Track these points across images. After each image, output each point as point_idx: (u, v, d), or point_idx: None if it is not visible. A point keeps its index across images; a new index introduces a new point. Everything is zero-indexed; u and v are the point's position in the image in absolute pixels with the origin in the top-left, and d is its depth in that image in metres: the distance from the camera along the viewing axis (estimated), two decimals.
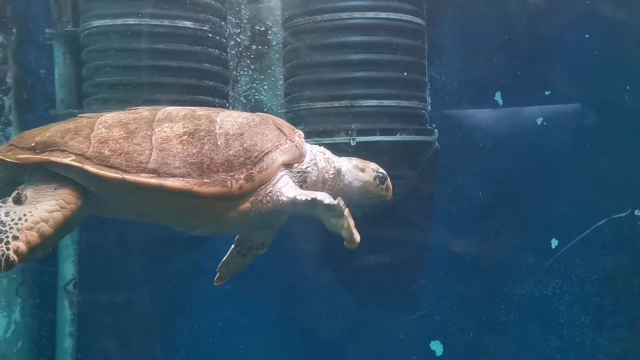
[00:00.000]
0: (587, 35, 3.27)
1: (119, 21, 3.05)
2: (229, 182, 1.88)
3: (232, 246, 2.34)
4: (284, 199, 1.98)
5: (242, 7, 3.47)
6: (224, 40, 3.36)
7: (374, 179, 2.19)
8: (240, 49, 3.49)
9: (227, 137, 1.94)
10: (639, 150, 3.20)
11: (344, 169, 2.18)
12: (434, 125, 3.47)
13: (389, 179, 2.22)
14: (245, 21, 3.49)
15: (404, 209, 3.40)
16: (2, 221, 1.70)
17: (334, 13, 3.09)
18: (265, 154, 1.97)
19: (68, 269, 3.54)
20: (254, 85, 3.51)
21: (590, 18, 3.25)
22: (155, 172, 1.82)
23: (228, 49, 3.43)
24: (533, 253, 3.37)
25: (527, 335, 3.42)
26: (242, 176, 1.91)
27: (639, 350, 3.25)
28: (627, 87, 3.20)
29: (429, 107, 3.48)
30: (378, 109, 3.16)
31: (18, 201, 1.77)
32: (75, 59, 3.36)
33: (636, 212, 3.20)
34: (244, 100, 3.51)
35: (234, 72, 3.49)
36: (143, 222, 2.12)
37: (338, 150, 3.10)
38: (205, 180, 1.85)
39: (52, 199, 1.78)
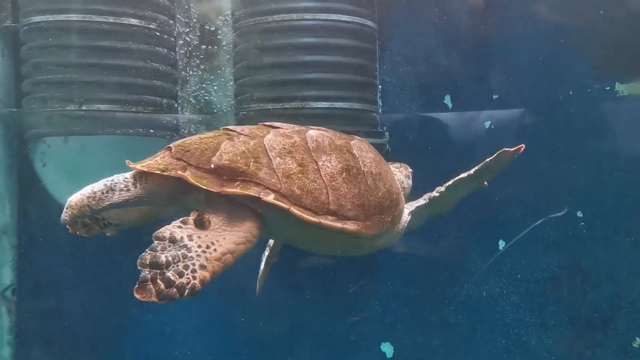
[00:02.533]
0: (532, 41, 3.34)
1: (60, 17, 2.94)
2: (382, 225, 2.10)
3: (264, 261, 2.54)
4: (404, 225, 2.33)
5: (192, 5, 3.40)
6: (173, 39, 3.29)
7: (411, 179, 2.65)
8: (190, 48, 3.42)
9: (373, 177, 2.10)
10: (580, 153, 3.28)
11: (401, 178, 2.58)
12: (384, 128, 3.49)
13: None
14: (194, 20, 3.42)
15: None
16: (187, 246, 1.64)
17: (285, 14, 3.07)
18: (398, 194, 2.27)
19: (6, 275, 3.40)
20: (204, 85, 3.44)
21: (535, 23, 3.33)
22: (336, 214, 1.89)
23: (177, 49, 3.36)
24: (481, 254, 3.42)
25: (475, 335, 3.47)
26: (389, 219, 2.15)
27: (581, 347, 3.33)
28: (570, 93, 3.29)
29: (380, 110, 3.49)
30: (329, 111, 3.15)
31: (201, 225, 1.69)
32: (14, 56, 3.24)
33: (578, 214, 3.28)
34: (194, 101, 3.44)
35: (183, 72, 3.42)
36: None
37: None
38: (367, 223, 2.00)
39: (240, 231, 1.74)
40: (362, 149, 2.18)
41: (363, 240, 2.07)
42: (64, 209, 1.78)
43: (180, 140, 1.92)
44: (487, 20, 3.42)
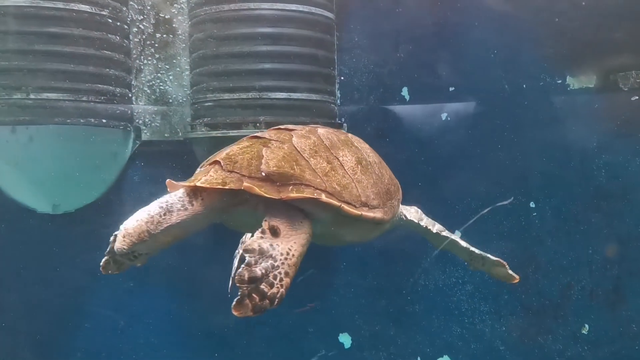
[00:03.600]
0: (487, 34, 3.39)
1: (8, 2, 2.82)
2: (394, 209, 2.18)
3: (238, 258, 2.46)
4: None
5: None
6: (126, 26, 3.20)
7: None
8: (144, 36, 3.34)
9: (377, 165, 2.18)
10: (533, 144, 3.35)
11: None
12: (343, 119, 3.49)
13: None
14: (148, 8, 3.34)
15: None
16: (273, 255, 1.67)
17: (242, 3, 3.03)
18: (395, 179, 2.32)
19: None
20: (159, 75, 3.37)
21: (490, 17, 3.38)
22: (366, 205, 1.97)
23: (130, 36, 3.28)
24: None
25: (431, 324, 3.52)
26: (396, 203, 2.23)
27: (533, 334, 3.42)
28: (523, 85, 3.35)
29: (338, 101, 3.49)
30: (287, 102, 3.13)
31: (275, 233, 1.73)
32: None
33: (531, 205, 3.36)
34: (148, 91, 3.37)
35: (137, 61, 3.34)
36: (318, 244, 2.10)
37: None
38: (385, 209, 2.08)
39: (302, 232, 1.79)
40: (360, 141, 2.27)
41: (381, 226, 2.15)
42: (120, 238, 1.71)
43: (222, 153, 1.90)
44: (444, 13, 3.45)
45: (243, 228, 2.08)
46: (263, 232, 1.73)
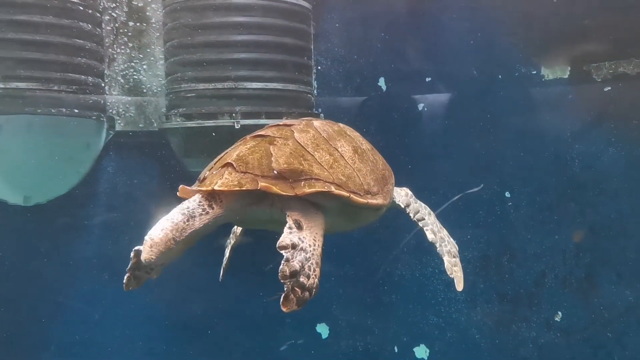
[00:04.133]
0: (463, 26, 3.40)
1: None
2: (390, 193, 2.24)
3: (229, 248, 2.52)
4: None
5: None
6: (98, 14, 3.14)
7: None
8: (117, 25, 3.28)
9: (371, 152, 2.23)
10: (508, 135, 3.38)
11: None
12: (320, 110, 3.48)
13: None
14: None
15: None
16: (304, 248, 1.73)
17: None
18: (389, 166, 2.35)
19: None
20: (132, 64, 3.31)
21: (467, 9, 3.39)
22: (369, 192, 2.03)
23: (102, 25, 3.21)
24: (414, 235, 3.48)
25: (408, 314, 3.55)
26: (391, 187, 2.28)
27: (507, 321, 3.46)
28: (500, 77, 3.37)
29: (315, 91, 3.47)
30: (263, 92, 3.10)
31: (300, 227, 1.79)
32: None
33: (506, 194, 3.39)
34: (122, 80, 3.31)
35: (110, 50, 3.27)
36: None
37: (222, 133, 3.05)
38: (384, 194, 2.14)
39: (319, 223, 1.85)
40: (351, 130, 2.31)
41: (380, 211, 2.20)
42: (147, 249, 1.72)
43: (232, 154, 1.91)
44: (421, 4, 3.45)
45: (257, 225, 2.11)
46: (290, 227, 1.77)
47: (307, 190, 1.82)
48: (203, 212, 1.80)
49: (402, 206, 2.42)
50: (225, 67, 3.03)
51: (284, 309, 1.68)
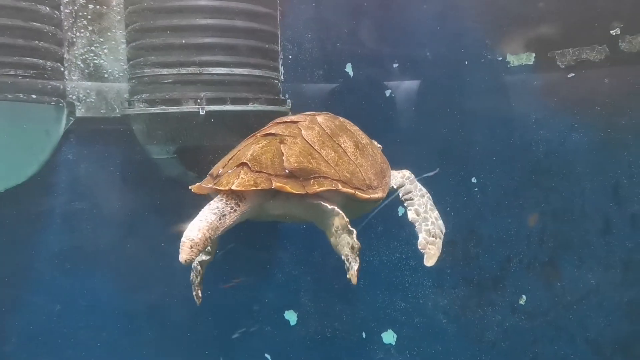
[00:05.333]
0: (430, 10, 3.39)
1: None
2: (389, 185, 2.37)
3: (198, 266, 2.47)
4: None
5: None
6: None
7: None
8: (76, 7, 3.16)
9: (369, 146, 2.35)
10: (475, 121, 3.40)
11: None
12: (287, 96, 3.44)
13: None
14: None
15: None
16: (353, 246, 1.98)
17: None
18: (385, 158, 2.48)
19: None
20: (93, 48, 3.21)
21: None
22: (371, 187, 2.18)
23: (61, 7, 3.10)
24: (382, 221, 3.49)
25: (375, 299, 3.57)
26: (389, 179, 2.40)
27: (474, 306, 3.51)
28: (466, 62, 3.38)
29: (282, 77, 3.43)
30: (228, 77, 3.05)
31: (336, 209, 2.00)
32: None
33: (472, 180, 3.42)
34: (82, 65, 3.21)
35: (69, 33, 3.17)
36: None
37: (186, 119, 2.99)
38: (383, 187, 2.28)
39: (340, 212, 2.00)
40: (350, 124, 2.42)
41: (379, 202, 2.31)
42: (187, 249, 1.85)
43: (247, 154, 2.04)
44: None
45: (276, 219, 2.24)
46: (333, 208, 1.98)
47: (317, 188, 1.97)
48: (232, 210, 1.94)
49: (395, 187, 2.50)
50: (189, 52, 2.96)
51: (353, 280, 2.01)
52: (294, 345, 3.60)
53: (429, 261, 2.37)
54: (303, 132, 2.14)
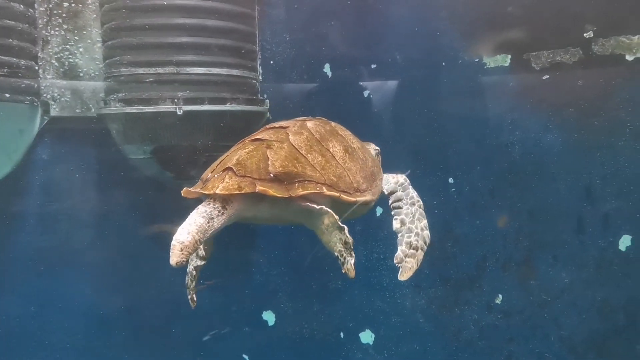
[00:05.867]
0: (409, 12, 3.41)
1: None
2: (378, 188, 2.39)
3: (192, 271, 2.49)
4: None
5: None
6: None
7: (376, 155, 2.71)
8: (50, 5, 3.12)
9: (360, 150, 2.38)
10: (452, 121, 3.43)
11: None
12: (265, 96, 3.43)
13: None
14: None
15: None
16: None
17: None
18: (377, 161, 2.53)
19: None
20: (68, 47, 3.17)
21: None
22: (359, 190, 2.21)
23: (36, 5, 3.06)
24: (360, 221, 3.48)
25: (353, 299, 3.58)
26: (380, 182, 2.42)
27: (451, 305, 3.54)
28: (443, 64, 3.40)
29: (260, 77, 3.42)
30: (206, 77, 3.04)
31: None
32: None
33: (449, 180, 3.45)
34: (56, 64, 3.17)
35: (44, 32, 3.12)
36: None
37: (163, 119, 2.97)
38: (372, 190, 2.31)
39: (328, 210, 2.04)
40: (342, 129, 2.46)
41: (369, 205, 2.35)
42: (177, 252, 1.88)
43: (233, 159, 2.08)
44: None
45: (266, 221, 2.32)
46: (321, 207, 2.02)
47: (301, 192, 2.01)
48: (219, 214, 1.98)
49: (386, 193, 2.50)
50: (167, 51, 2.95)
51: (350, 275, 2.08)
52: (272, 345, 3.59)
53: (403, 275, 2.35)
54: (291, 137, 2.18)
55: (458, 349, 3.54)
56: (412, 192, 2.51)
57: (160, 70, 2.95)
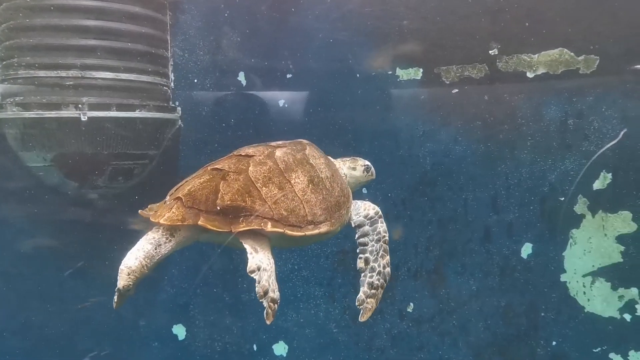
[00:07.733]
0: (324, 24, 3.43)
1: None
2: (342, 218, 2.38)
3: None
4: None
5: None
6: None
7: (363, 172, 2.69)
8: None
9: (329, 180, 2.38)
10: (365, 133, 3.48)
11: (344, 172, 2.66)
12: (177, 103, 3.34)
13: (372, 166, 2.72)
14: None
15: (146, 189, 3.22)
16: (265, 268, 1.99)
17: None
18: (347, 188, 2.52)
19: None
20: None
21: (328, 8, 3.42)
22: (313, 223, 2.22)
23: None
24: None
25: None
26: (345, 212, 2.41)
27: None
28: (358, 75, 3.45)
29: (172, 84, 3.33)
30: (114, 83, 2.92)
31: (256, 251, 2.04)
32: None
33: (363, 191, 3.48)
34: None
35: None
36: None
37: (66, 125, 2.81)
38: (333, 221, 2.30)
39: (267, 247, 2.10)
40: (315, 157, 2.43)
41: (329, 235, 2.34)
42: (124, 277, 1.97)
43: (184, 189, 2.13)
44: (287, 3, 3.43)
45: (219, 244, 2.29)
46: (250, 252, 2.03)
47: (242, 227, 2.06)
48: (167, 241, 2.07)
49: (353, 226, 2.50)
50: (71, 54, 2.81)
51: (268, 322, 1.97)
52: None
53: (364, 316, 2.43)
54: (251, 168, 2.22)
55: (371, 358, 3.57)
56: (381, 227, 2.53)
57: (63, 73, 2.80)
